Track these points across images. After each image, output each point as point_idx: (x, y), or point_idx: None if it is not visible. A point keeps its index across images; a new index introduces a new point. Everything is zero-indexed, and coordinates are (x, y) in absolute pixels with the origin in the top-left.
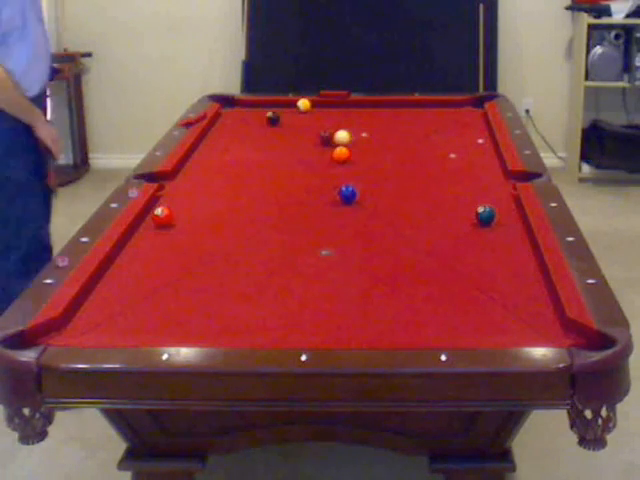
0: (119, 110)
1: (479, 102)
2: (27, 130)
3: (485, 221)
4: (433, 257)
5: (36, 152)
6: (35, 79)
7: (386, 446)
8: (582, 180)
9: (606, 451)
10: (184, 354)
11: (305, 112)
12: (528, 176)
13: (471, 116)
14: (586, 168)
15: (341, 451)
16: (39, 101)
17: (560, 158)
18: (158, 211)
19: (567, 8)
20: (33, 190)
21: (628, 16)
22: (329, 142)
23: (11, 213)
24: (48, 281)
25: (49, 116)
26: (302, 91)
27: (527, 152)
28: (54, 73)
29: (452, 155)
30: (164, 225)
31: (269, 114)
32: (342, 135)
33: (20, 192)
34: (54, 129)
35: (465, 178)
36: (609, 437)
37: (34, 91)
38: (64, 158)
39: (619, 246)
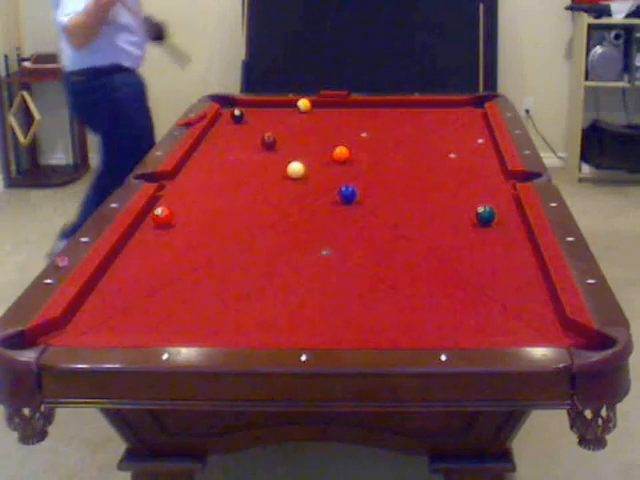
0: None
1: (479, 102)
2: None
3: (485, 221)
4: (433, 257)
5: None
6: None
7: (386, 446)
8: (582, 180)
9: (606, 451)
10: (184, 354)
11: (305, 112)
12: (528, 176)
13: (471, 116)
14: (586, 168)
15: (341, 451)
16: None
17: (560, 158)
18: (158, 211)
19: (567, 8)
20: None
21: (628, 16)
22: (272, 147)
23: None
24: (48, 281)
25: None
26: (302, 91)
27: (527, 152)
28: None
29: (452, 155)
30: (164, 225)
31: (235, 111)
32: (296, 167)
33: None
34: None
35: (465, 178)
36: (609, 437)
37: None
38: (64, 158)
39: (619, 246)
